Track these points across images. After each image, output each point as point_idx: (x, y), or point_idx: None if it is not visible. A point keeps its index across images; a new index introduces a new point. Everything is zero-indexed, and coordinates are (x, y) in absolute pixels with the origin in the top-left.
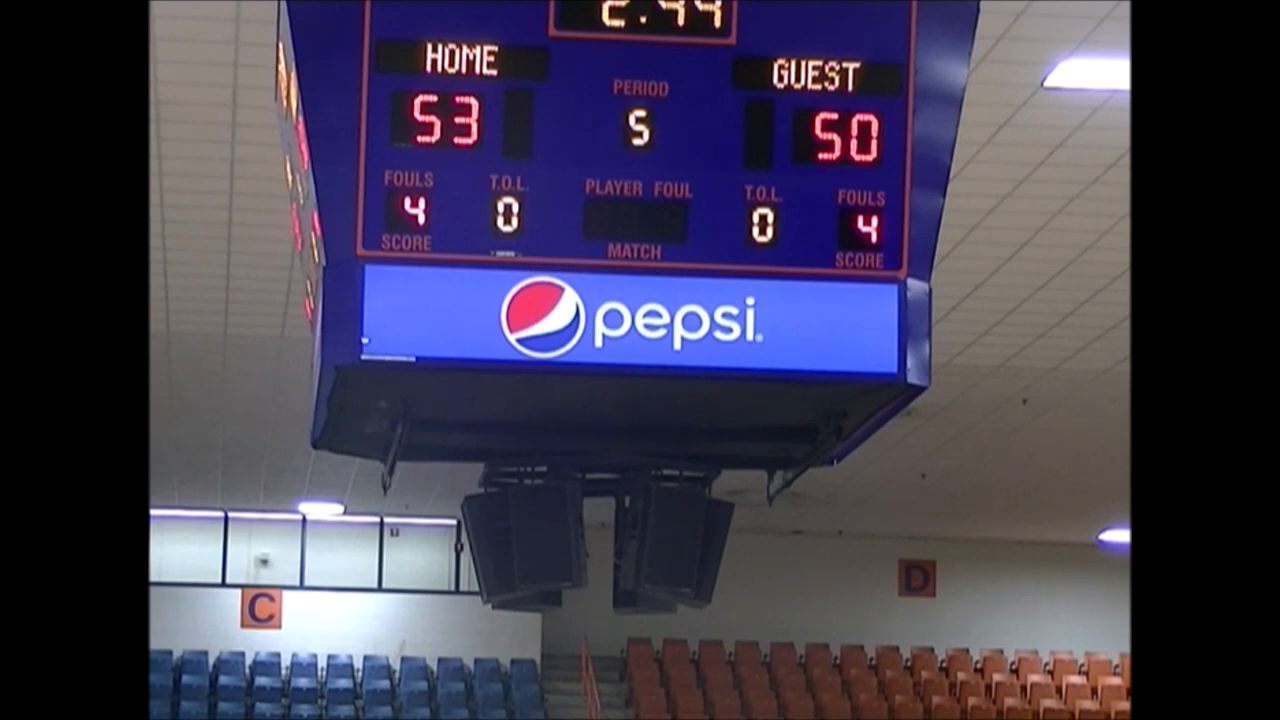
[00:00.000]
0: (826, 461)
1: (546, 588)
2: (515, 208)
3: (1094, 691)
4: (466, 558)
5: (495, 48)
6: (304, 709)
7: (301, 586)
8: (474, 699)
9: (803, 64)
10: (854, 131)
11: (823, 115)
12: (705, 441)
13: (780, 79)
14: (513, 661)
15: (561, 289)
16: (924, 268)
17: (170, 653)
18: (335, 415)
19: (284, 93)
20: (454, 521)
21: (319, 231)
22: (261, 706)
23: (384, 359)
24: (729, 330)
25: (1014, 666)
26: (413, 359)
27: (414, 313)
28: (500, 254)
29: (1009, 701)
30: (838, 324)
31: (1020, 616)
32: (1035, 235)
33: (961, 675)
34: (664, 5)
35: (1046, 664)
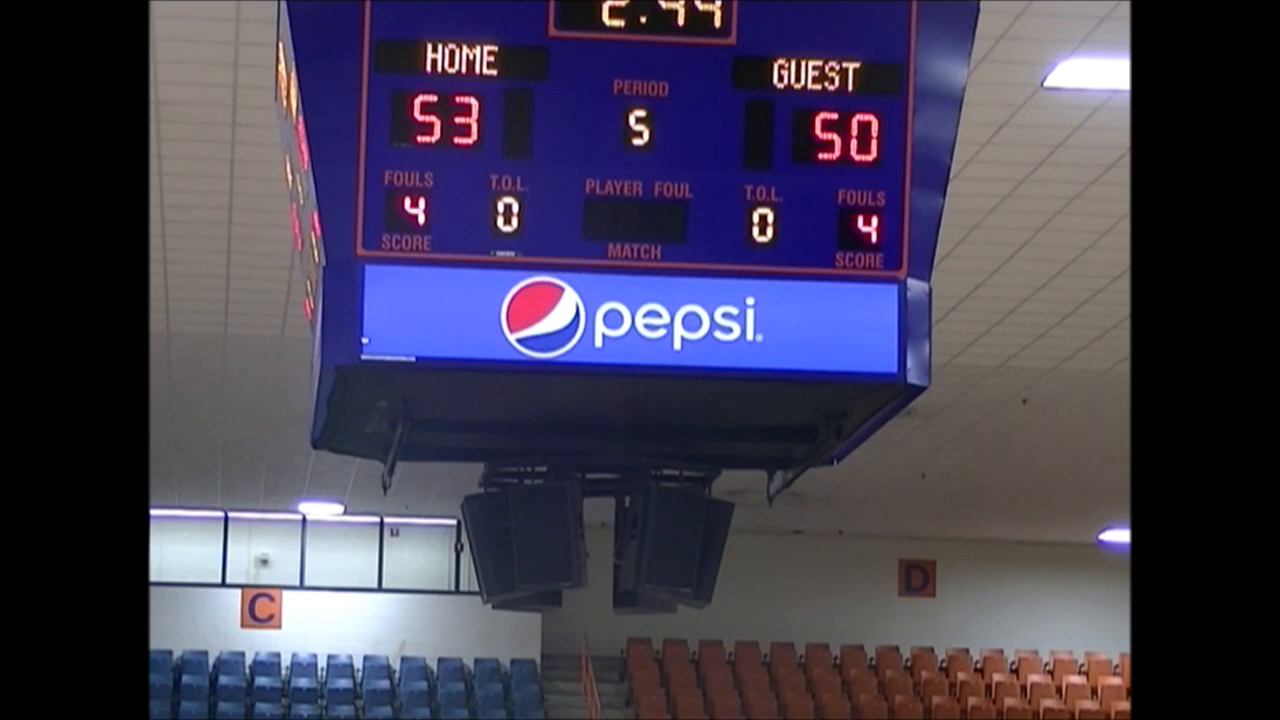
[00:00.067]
0: (826, 461)
1: (546, 588)
2: (515, 208)
3: (1094, 691)
4: (466, 558)
5: (495, 48)
6: (304, 709)
7: (301, 586)
8: (474, 699)
9: (803, 64)
10: (854, 131)
11: (823, 115)
12: (705, 441)
13: (780, 79)
14: (513, 661)
15: (561, 289)
16: (924, 268)
17: (170, 653)
18: (335, 415)
19: (284, 93)
20: (454, 521)
21: (319, 231)
22: (261, 706)
23: (384, 359)
24: (729, 330)
25: (1014, 666)
26: (413, 359)
27: (414, 313)
28: (500, 254)
29: (1009, 701)
30: (838, 324)
31: (1020, 616)
32: (1035, 235)
33: (961, 675)
34: (664, 5)
35: (1046, 664)
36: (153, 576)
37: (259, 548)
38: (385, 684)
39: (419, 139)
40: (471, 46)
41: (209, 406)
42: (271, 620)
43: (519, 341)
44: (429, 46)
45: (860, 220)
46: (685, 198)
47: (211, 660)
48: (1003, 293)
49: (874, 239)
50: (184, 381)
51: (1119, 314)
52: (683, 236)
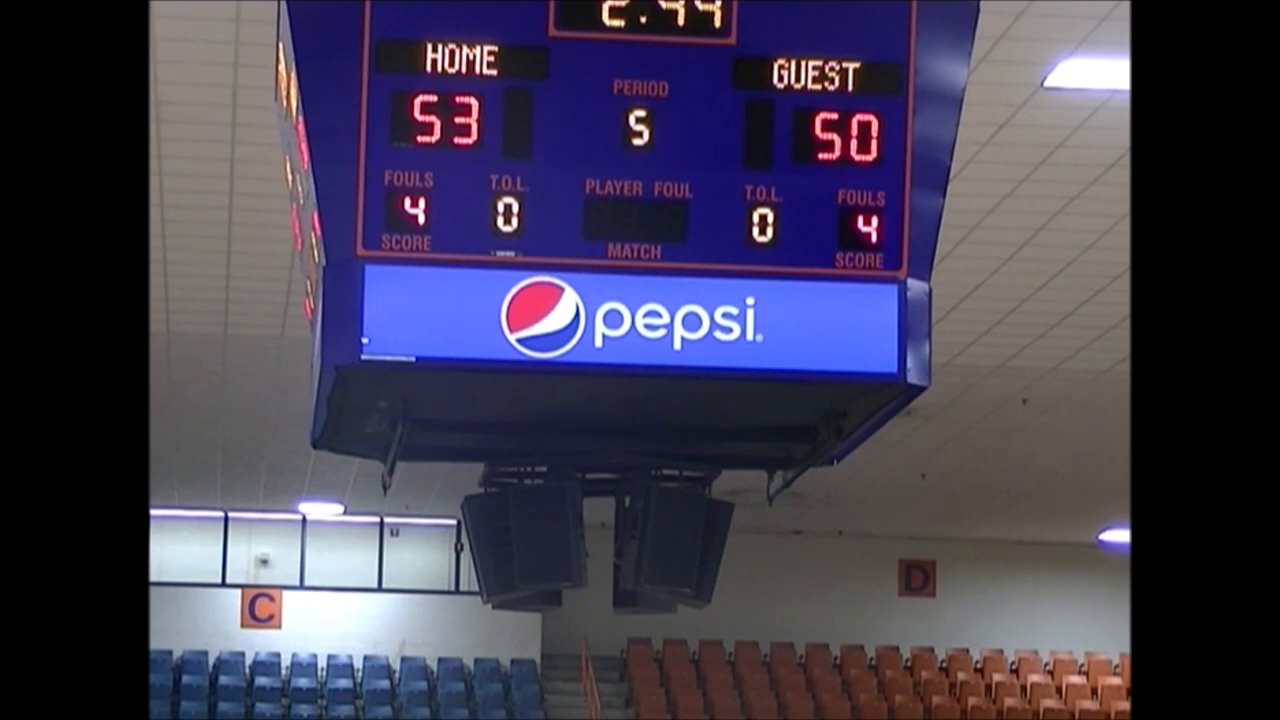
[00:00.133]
0: (826, 461)
1: (546, 588)
2: (515, 208)
3: (1094, 691)
4: (466, 558)
5: (495, 48)
6: (304, 709)
7: (301, 586)
8: (474, 699)
9: (803, 64)
10: (854, 131)
11: (823, 115)
12: (705, 441)
13: (780, 79)
14: (513, 661)
15: (561, 289)
16: (924, 268)
17: (170, 653)
18: (335, 415)
19: (284, 93)
20: (454, 521)
21: (319, 231)
22: (261, 706)
23: (384, 359)
24: (729, 330)
25: (1014, 666)
26: (413, 359)
27: (414, 313)
28: (500, 254)
29: (1009, 701)
30: (838, 324)
31: (1020, 616)
32: (1035, 235)
33: (961, 675)
34: (664, 5)
35: (1046, 664)
36: (153, 576)
37: (259, 548)
38: (385, 684)
39: (419, 139)
40: (471, 46)
41: (209, 406)
42: (271, 620)
43: (519, 341)
44: (429, 46)
45: (860, 220)
46: (685, 198)
47: (211, 660)
48: (1003, 293)
49: (874, 239)
50: (184, 381)
51: (1119, 314)
52: (683, 236)
